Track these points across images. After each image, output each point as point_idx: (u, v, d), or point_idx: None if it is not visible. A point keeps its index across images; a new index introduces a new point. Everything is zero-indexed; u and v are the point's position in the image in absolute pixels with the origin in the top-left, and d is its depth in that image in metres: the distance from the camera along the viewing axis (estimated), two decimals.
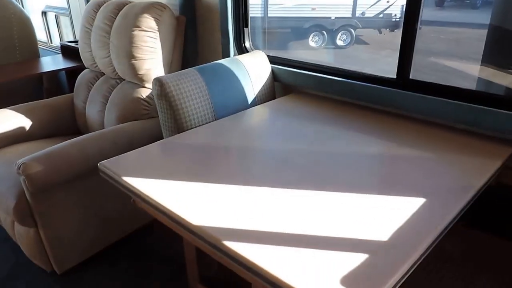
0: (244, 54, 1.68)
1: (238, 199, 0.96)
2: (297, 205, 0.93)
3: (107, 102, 1.98)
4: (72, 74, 2.59)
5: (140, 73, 1.82)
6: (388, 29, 6.72)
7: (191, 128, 1.38)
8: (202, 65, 1.50)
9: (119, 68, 1.90)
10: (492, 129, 1.25)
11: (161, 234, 2.00)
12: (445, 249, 1.18)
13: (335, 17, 6.78)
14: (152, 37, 1.79)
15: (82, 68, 2.36)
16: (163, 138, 1.38)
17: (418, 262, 0.79)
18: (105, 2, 2.03)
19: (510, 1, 1.60)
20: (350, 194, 0.98)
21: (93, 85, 2.11)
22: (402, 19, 1.42)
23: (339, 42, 6.85)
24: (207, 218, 0.88)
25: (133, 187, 1.01)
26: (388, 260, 0.76)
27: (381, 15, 6.64)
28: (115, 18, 1.91)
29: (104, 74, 2.10)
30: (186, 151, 1.22)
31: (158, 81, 1.34)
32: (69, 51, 2.64)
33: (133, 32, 1.78)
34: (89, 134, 1.69)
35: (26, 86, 2.72)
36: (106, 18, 1.93)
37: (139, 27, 1.77)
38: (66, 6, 2.82)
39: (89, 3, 2.09)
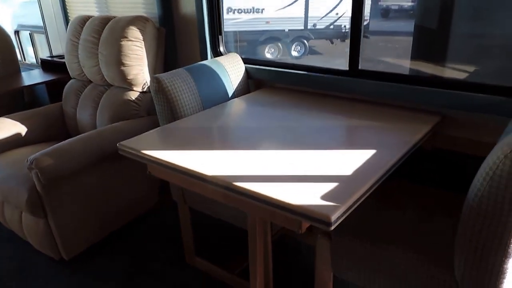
0: (223, 56, 1.98)
1: (235, 157, 1.25)
2: (281, 158, 1.24)
3: (98, 106, 2.20)
4: (52, 86, 2.78)
5: (129, 78, 2.07)
6: (339, 39, 7.25)
7: (185, 117, 1.66)
8: (190, 65, 1.79)
9: (108, 75, 2.14)
10: (423, 102, 1.61)
11: (159, 219, 2.24)
12: (399, 199, 1.52)
13: (289, 29, 7.22)
14: (138, 46, 2.05)
15: (62, 80, 2.57)
16: None
17: (374, 188, 1.12)
18: (89, 18, 2.27)
19: (427, 6, 2.01)
20: (321, 150, 1.29)
21: (81, 93, 2.33)
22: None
23: (294, 53, 7.30)
24: (216, 171, 1.16)
25: (152, 156, 1.28)
26: (352, 185, 1.08)
27: (331, 27, 7.15)
28: (101, 31, 2.15)
29: (91, 82, 2.32)
30: (186, 131, 1.50)
31: (155, 79, 1.61)
32: (49, 66, 2.83)
33: (121, 42, 2.03)
34: (89, 132, 1.91)
35: (8, 100, 2.87)
36: (93, 31, 2.18)
37: (126, 37, 2.03)
38: (38, 24, 3.01)
39: (73, 19, 2.33)
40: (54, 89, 2.74)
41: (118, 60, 2.04)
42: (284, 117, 1.63)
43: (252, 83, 2.05)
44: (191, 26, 2.12)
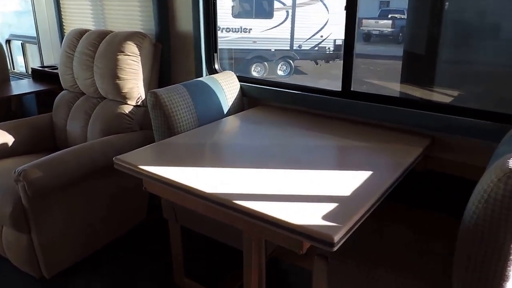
0: (218, 74, 2.00)
1: (233, 174, 1.25)
2: (278, 176, 1.24)
3: (90, 118, 2.19)
4: (42, 96, 2.75)
5: (123, 91, 2.07)
6: (323, 60, 7.47)
7: (181, 133, 1.65)
8: (187, 81, 1.80)
9: (102, 88, 2.14)
10: (413, 125, 1.65)
11: (145, 236, 2.20)
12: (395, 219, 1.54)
13: (275, 49, 7.41)
14: (134, 61, 2.06)
15: (53, 90, 2.55)
16: None
17: (373, 209, 1.13)
18: (86, 32, 2.27)
19: (416, 34, 2.09)
20: (316, 170, 1.30)
21: (73, 104, 2.31)
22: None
23: (280, 72, 7.48)
24: (214, 188, 1.16)
25: (149, 172, 1.27)
26: (352, 206, 1.09)
27: (316, 48, 7.36)
28: (98, 45, 2.16)
29: (83, 94, 2.31)
30: (182, 147, 1.50)
31: (153, 94, 1.61)
32: (39, 75, 2.80)
33: (117, 56, 2.04)
34: (80, 145, 1.89)
35: None
36: (90, 45, 2.18)
37: (123, 52, 2.04)
38: (30, 34, 3.00)
39: (69, 32, 2.34)
40: (44, 100, 2.71)
41: (113, 73, 2.04)
42: (279, 136, 1.64)
43: (246, 100, 2.07)
44: (187, 43, 2.14)
